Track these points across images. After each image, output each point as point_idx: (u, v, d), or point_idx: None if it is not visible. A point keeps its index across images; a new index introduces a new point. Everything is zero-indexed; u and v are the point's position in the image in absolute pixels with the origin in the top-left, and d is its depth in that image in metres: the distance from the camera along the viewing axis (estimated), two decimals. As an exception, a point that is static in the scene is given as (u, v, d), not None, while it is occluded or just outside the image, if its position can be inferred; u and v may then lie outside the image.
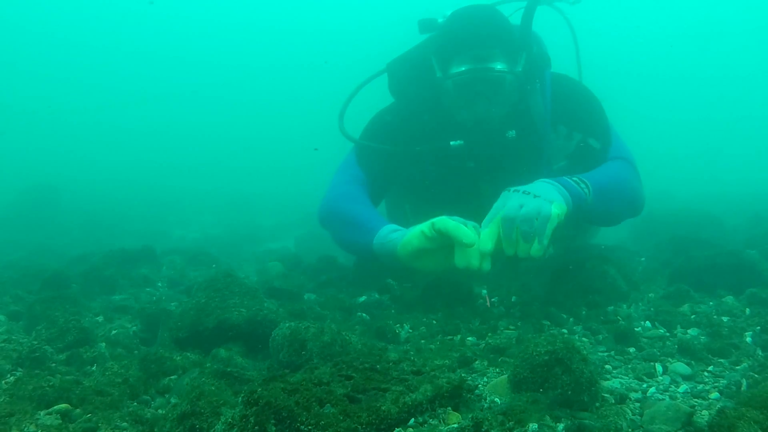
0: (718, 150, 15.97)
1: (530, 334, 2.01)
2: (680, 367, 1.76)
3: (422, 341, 2.02)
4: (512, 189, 2.26)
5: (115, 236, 6.19)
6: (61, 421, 1.43)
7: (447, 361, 1.77)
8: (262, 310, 2.01)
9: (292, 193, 10.00)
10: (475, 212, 2.35)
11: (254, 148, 19.45)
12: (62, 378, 1.67)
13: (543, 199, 2.15)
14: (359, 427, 1.19)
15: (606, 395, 1.53)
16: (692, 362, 1.81)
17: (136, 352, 2.06)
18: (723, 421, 1.21)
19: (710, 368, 1.78)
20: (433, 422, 1.30)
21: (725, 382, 1.66)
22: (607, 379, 1.69)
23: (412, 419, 1.28)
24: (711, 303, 2.40)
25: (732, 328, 2.07)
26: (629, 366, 1.80)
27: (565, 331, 2.13)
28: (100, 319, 2.49)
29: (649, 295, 2.54)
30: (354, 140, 2.96)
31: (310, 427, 1.16)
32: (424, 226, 2.25)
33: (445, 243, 2.21)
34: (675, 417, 1.38)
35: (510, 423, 1.24)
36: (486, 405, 1.46)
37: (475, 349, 1.93)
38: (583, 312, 2.26)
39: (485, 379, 1.69)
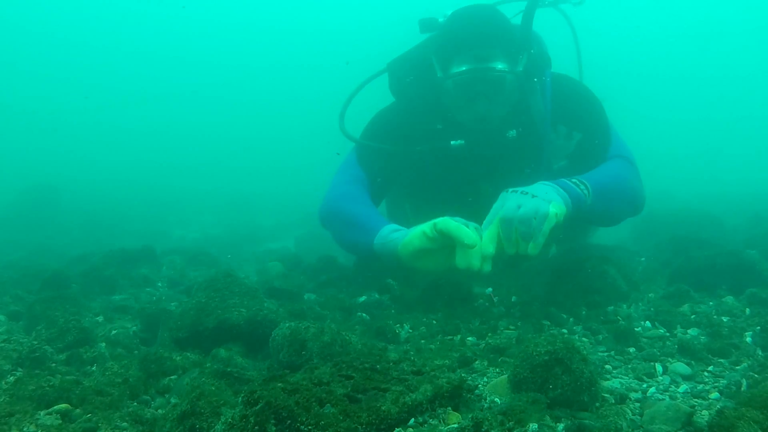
0: (718, 150, 15.98)
1: (530, 334, 2.02)
2: (680, 367, 1.75)
3: (422, 341, 2.02)
4: (510, 190, 2.27)
5: (115, 236, 6.19)
6: (61, 421, 1.43)
7: (447, 361, 1.77)
8: (262, 310, 2.01)
9: (292, 193, 10.01)
10: (476, 212, 2.35)
11: (254, 148, 19.46)
12: (62, 378, 1.67)
13: (541, 199, 2.15)
14: (359, 427, 1.19)
15: (606, 395, 1.53)
16: (692, 362, 1.81)
17: (136, 352, 2.06)
18: (723, 421, 1.21)
19: (710, 368, 1.78)
20: (433, 422, 1.30)
21: (725, 382, 1.66)
22: (607, 379, 1.70)
23: (412, 419, 1.28)
24: (711, 303, 2.40)
25: (732, 328, 2.07)
26: (629, 366, 1.80)
27: (565, 331, 2.13)
28: (100, 319, 2.49)
29: (649, 295, 2.54)
30: (354, 140, 2.96)
31: (310, 427, 1.16)
32: (425, 227, 2.25)
33: (446, 243, 2.21)
34: (675, 417, 1.38)
35: (510, 423, 1.24)
36: (486, 405, 1.46)
37: (475, 349, 1.93)
38: (583, 312, 2.26)
39: (485, 379, 1.69)
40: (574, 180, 2.39)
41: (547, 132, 2.80)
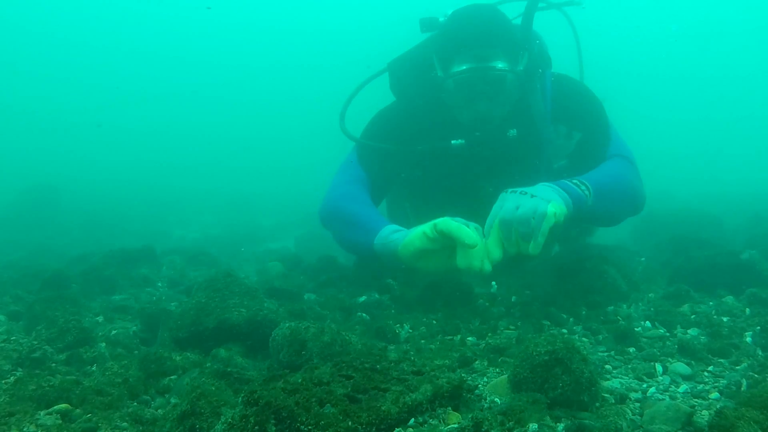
0: (718, 150, 15.98)
1: (530, 334, 2.02)
2: (680, 367, 1.76)
3: (422, 341, 2.02)
4: (510, 190, 2.27)
5: (115, 236, 6.19)
6: (61, 421, 1.43)
7: (447, 361, 1.77)
8: (262, 310, 2.01)
9: (292, 193, 10.01)
10: (476, 211, 2.35)
11: (254, 148, 19.46)
12: (62, 378, 1.67)
13: (539, 199, 2.15)
14: (359, 427, 1.19)
15: (606, 395, 1.53)
16: (692, 362, 1.81)
17: (136, 352, 2.06)
18: (723, 421, 1.21)
19: (710, 368, 1.78)
20: (433, 422, 1.30)
21: (725, 382, 1.66)
22: (607, 379, 1.70)
23: (412, 419, 1.28)
24: (711, 303, 2.40)
25: (732, 328, 2.07)
26: (629, 366, 1.80)
27: (565, 331, 2.13)
28: (100, 319, 2.49)
29: (649, 295, 2.54)
30: (355, 139, 2.96)
31: (310, 427, 1.16)
32: (426, 227, 2.25)
33: (447, 244, 2.21)
34: (675, 417, 1.38)
35: (510, 423, 1.24)
36: (486, 405, 1.46)
37: (475, 349, 1.93)
38: (583, 312, 2.26)
39: (485, 379, 1.69)
40: (575, 180, 2.39)
41: (548, 131, 2.80)
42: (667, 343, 1.98)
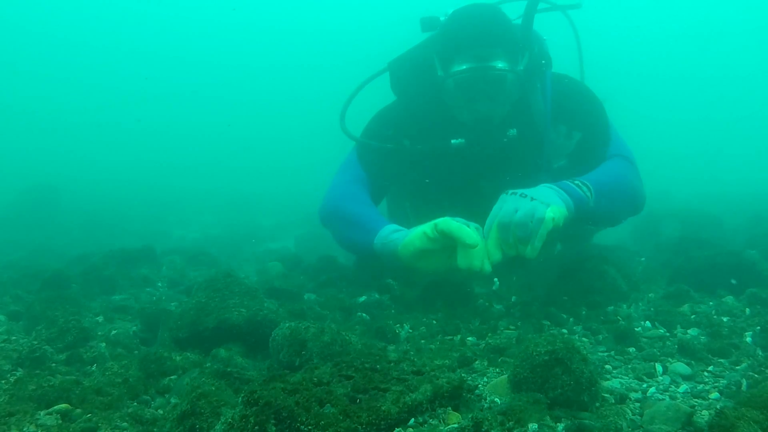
0: (718, 150, 15.99)
1: (530, 334, 2.01)
2: (680, 367, 1.75)
3: (422, 341, 2.02)
4: (510, 192, 2.27)
5: (115, 236, 6.19)
6: (61, 421, 1.43)
7: (447, 361, 1.77)
8: (262, 310, 2.01)
9: (292, 193, 10.01)
10: (476, 211, 2.35)
11: (254, 148, 19.46)
12: (62, 378, 1.67)
13: (539, 202, 2.15)
14: (359, 427, 1.19)
15: (606, 395, 1.53)
16: (692, 362, 1.81)
17: (136, 352, 2.06)
18: (723, 421, 1.21)
19: (710, 368, 1.78)
20: (433, 422, 1.30)
21: (725, 382, 1.66)
22: (607, 379, 1.69)
23: (412, 419, 1.28)
24: (711, 303, 2.40)
25: (732, 328, 2.07)
26: (629, 366, 1.80)
27: (565, 331, 2.13)
28: (100, 319, 2.49)
29: (649, 295, 2.54)
30: (355, 138, 2.96)
31: (310, 427, 1.16)
32: (426, 227, 2.25)
33: (447, 244, 2.21)
34: (675, 417, 1.38)
35: (510, 423, 1.24)
36: (486, 405, 1.46)
37: (475, 349, 1.93)
38: (583, 312, 2.26)
39: (485, 379, 1.69)
40: (576, 182, 2.39)
41: (548, 131, 2.80)
42: (667, 343, 1.98)
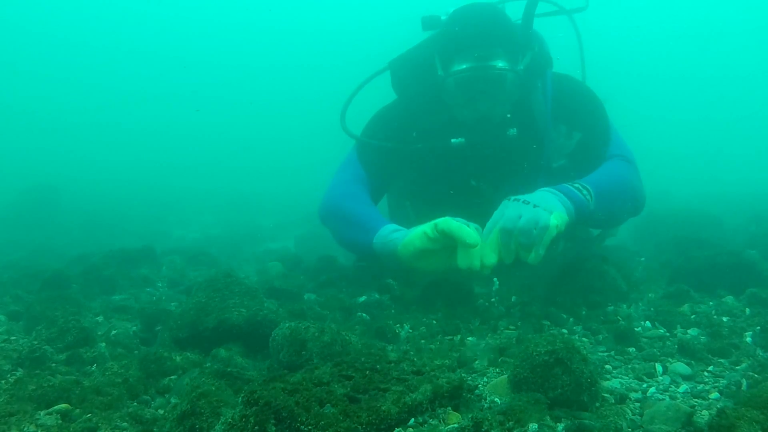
0: (718, 150, 15.99)
1: (530, 334, 2.02)
2: (680, 367, 1.75)
3: (422, 341, 2.02)
4: (512, 198, 2.26)
5: (115, 236, 6.19)
6: (61, 421, 1.43)
7: (447, 361, 1.77)
8: (262, 310, 2.01)
9: (292, 193, 10.01)
10: (475, 210, 2.35)
11: (254, 148, 19.46)
12: (62, 378, 1.67)
13: (542, 209, 2.14)
14: (359, 427, 1.19)
15: (606, 395, 1.53)
16: (692, 362, 1.81)
17: (136, 352, 2.06)
18: (723, 421, 1.21)
19: (710, 368, 1.78)
20: (433, 422, 1.30)
21: (725, 382, 1.66)
22: (607, 379, 1.69)
23: (412, 419, 1.28)
24: (711, 303, 2.40)
25: (732, 328, 2.07)
26: (629, 366, 1.80)
27: (565, 331, 2.13)
28: (100, 319, 2.49)
29: (649, 295, 2.54)
30: (356, 137, 2.96)
31: (310, 427, 1.16)
32: (426, 227, 2.25)
33: (447, 244, 2.21)
34: (675, 417, 1.38)
35: (510, 423, 1.24)
36: (486, 405, 1.46)
37: (475, 349, 1.93)
38: (583, 312, 2.26)
39: (485, 379, 1.69)
40: (576, 185, 2.38)
41: (548, 131, 2.80)
42: (667, 343, 1.98)
